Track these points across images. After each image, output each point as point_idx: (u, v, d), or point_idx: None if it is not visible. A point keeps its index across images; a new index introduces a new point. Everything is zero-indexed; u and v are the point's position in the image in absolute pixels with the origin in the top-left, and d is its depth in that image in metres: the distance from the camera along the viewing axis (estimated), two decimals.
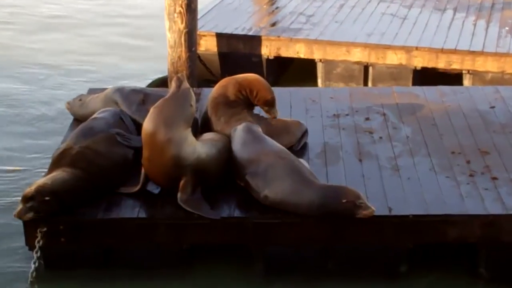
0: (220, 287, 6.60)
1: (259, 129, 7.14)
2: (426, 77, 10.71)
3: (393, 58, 10.88)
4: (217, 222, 6.47)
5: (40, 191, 6.36)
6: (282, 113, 7.96)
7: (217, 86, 7.72)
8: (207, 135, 7.21)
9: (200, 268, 6.74)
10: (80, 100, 8.19)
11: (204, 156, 6.70)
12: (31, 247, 6.49)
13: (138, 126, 7.33)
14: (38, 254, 6.41)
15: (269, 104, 7.65)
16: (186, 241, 6.58)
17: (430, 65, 10.81)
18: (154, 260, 6.66)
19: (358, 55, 10.96)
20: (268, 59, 11.19)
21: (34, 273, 6.40)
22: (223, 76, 10.23)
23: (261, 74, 10.82)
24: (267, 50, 11.18)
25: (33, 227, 6.43)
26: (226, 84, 7.64)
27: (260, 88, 7.61)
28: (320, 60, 11.07)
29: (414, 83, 10.66)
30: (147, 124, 6.57)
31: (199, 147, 6.71)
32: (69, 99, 8.45)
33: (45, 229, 6.42)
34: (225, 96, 7.57)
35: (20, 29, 14.10)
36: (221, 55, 11.20)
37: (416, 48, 10.85)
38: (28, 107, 10.64)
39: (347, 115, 8.43)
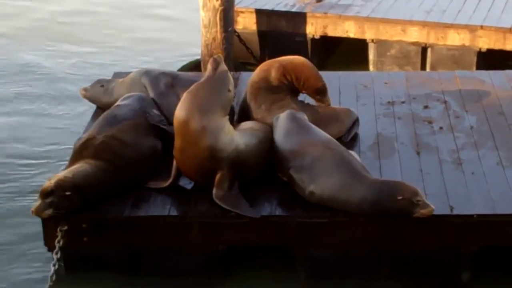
0: None
1: (304, 117, 7.12)
2: (492, 60, 10.64)
3: (455, 39, 10.82)
4: (256, 221, 6.46)
5: (61, 185, 6.39)
6: (331, 99, 7.90)
7: (258, 69, 7.72)
8: (246, 124, 7.19)
9: (236, 272, 6.75)
10: (102, 86, 8.23)
11: (243, 147, 6.70)
12: (51, 248, 6.54)
13: (166, 114, 7.40)
14: (58, 255, 6.44)
15: (320, 92, 7.63)
16: (222, 241, 6.59)
17: (497, 46, 10.74)
18: (185, 264, 6.68)
19: (415, 35, 10.91)
20: (313, 39, 11.20)
21: (54, 277, 6.42)
22: (261, 57, 10.27)
23: (305, 55, 10.84)
24: (313, 29, 11.17)
25: (52, 225, 6.48)
26: (269, 68, 7.62)
27: (308, 75, 7.60)
28: (372, 41, 11.04)
29: (478, 67, 10.59)
30: (180, 111, 6.56)
31: (237, 137, 6.70)
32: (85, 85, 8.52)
33: (65, 227, 6.46)
34: (267, 80, 7.57)
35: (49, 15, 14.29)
36: (261, 34, 11.21)
37: (481, 27, 10.78)
38: (48, 95, 10.82)
39: (403, 102, 8.40)
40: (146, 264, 6.71)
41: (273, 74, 7.57)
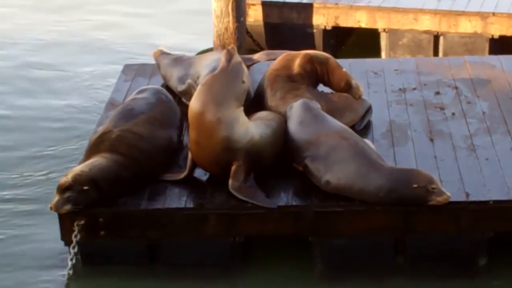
0: (275, 285, 6.61)
1: (318, 106, 7.10)
2: (504, 47, 10.52)
3: (467, 26, 10.73)
4: (273, 211, 6.46)
5: (78, 180, 6.40)
6: None
7: (280, 58, 7.71)
8: (260, 114, 7.17)
9: (253, 264, 6.76)
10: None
11: (258, 138, 6.69)
12: (68, 242, 6.56)
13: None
14: (76, 249, 6.46)
15: (349, 84, 7.61)
16: (238, 233, 6.58)
17: (509, 33, 10.62)
18: (203, 256, 6.68)
19: (427, 24, 10.83)
20: (325, 30, 11.11)
21: (71, 271, 6.47)
22: (273, 50, 10.21)
23: (317, 47, 10.88)
24: (324, 20, 11.10)
25: (69, 220, 6.49)
26: (293, 57, 7.62)
27: (335, 67, 7.60)
28: (384, 30, 10.96)
29: (491, 54, 10.46)
30: (194, 103, 6.56)
31: (252, 128, 6.69)
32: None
33: (82, 222, 6.47)
34: (288, 68, 7.57)
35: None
36: (272, 26, 11.16)
37: (493, 14, 10.68)
38: (62, 84, 10.85)
39: (414, 89, 8.36)
40: (163, 257, 6.71)
41: (298, 61, 7.57)
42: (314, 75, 7.59)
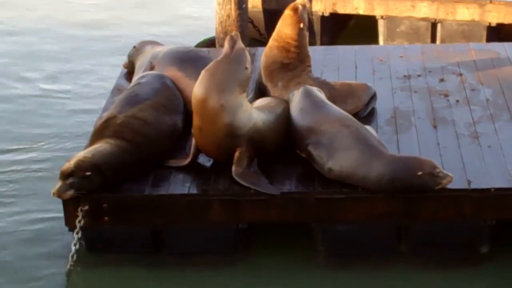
0: (279, 271, 6.54)
1: (320, 93, 7.04)
2: (501, 34, 10.53)
3: (465, 14, 10.69)
4: (276, 198, 6.41)
5: (81, 166, 6.33)
6: (347, 74, 7.85)
7: (263, 56, 7.62)
8: (264, 101, 7.13)
9: (257, 250, 6.70)
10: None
11: (261, 124, 6.63)
12: (71, 228, 6.49)
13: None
14: (79, 235, 6.40)
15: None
16: (242, 219, 6.53)
17: (507, 21, 10.60)
18: (206, 242, 6.63)
19: (424, 11, 10.79)
20: (323, 16, 11.08)
21: (75, 256, 6.40)
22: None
23: (315, 33, 10.81)
24: (322, 6, 11.05)
25: (73, 205, 6.42)
26: (271, 50, 7.53)
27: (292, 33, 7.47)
28: (382, 17, 10.92)
29: (488, 42, 10.43)
30: (198, 89, 6.49)
31: (255, 114, 6.64)
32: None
33: (86, 207, 6.41)
34: (276, 61, 7.49)
35: None
36: (270, 12, 11.08)
37: (491, 2, 10.64)
38: (62, 70, 10.78)
39: (419, 76, 8.33)
40: (167, 243, 6.66)
41: (280, 54, 7.48)
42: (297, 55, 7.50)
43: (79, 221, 6.39)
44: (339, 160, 6.42)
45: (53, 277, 6.53)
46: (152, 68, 7.75)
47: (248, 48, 7.16)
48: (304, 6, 7.40)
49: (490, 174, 6.55)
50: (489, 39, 10.53)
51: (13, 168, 8.24)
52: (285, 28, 7.47)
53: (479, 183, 6.43)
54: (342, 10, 11.08)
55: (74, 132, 8.93)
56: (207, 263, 6.57)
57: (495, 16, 10.60)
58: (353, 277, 6.47)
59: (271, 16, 11.03)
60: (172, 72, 7.51)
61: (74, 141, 8.65)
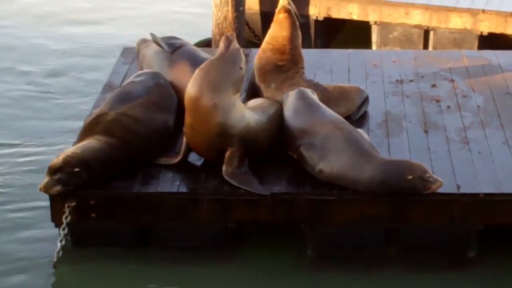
0: (266, 272, 6.51)
1: (314, 96, 7.02)
2: (493, 44, 10.52)
3: (457, 22, 10.71)
4: (266, 198, 6.38)
5: (69, 162, 6.28)
6: (340, 77, 7.83)
7: (256, 57, 7.60)
8: (257, 101, 7.12)
9: (245, 250, 6.67)
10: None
11: (254, 124, 6.61)
12: (58, 224, 6.44)
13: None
14: (66, 231, 6.35)
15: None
16: (231, 219, 6.50)
17: (498, 30, 10.62)
18: (195, 241, 6.60)
19: (417, 18, 10.80)
20: (317, 21, 11.07)
21: (61, 253, 6.35)
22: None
23: (308, 37, 10.81)
24: (316, 10, 11.04)
25: (60, 201, 6.37)
26: (265, 53, 7.51)
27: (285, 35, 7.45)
28: (375, 23, 10.92)
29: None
30: (191, 88, 6.46)
31: (248, 114, 6.61)
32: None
33: (73, 203, 6.36)
34: (270, 63, 7.48)
35: None
36: (265, 14, 11.09)
37: (483, 11, 10.66)
38: (54, 69, 10.71)
39: (411, 81, 8.32)
40: (154, 242, 6.62)
41: (275, 56, 7.46)
42: (291, 57, 7.49)
43: (66, 217, 6.34)
44: (330, 161, 6.41)
45: (39, 273, 6.47)
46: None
47: (243, 49, 7.14)
48: (290, 5, 7.41)
49: (480, 179, 6.55)
50: (481, 48, 10.53)
51: (1, 161, 8.20)
52: (280, 31, 7.45)
53: (468, 188, 6.43)
54: (336, 14, 11.08)
55: (64, 128, 8.87)
56: (195, 260, 6.53)
57: (487, 25, 10.63)
58: (340, 280, 6.44)
59: (267, 18, 11.01)
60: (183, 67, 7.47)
61: (63, 137, 8.59)
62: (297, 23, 7.46)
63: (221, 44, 6.58)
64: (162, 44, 7.63)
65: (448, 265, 6.50)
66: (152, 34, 7.75)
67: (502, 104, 7.79)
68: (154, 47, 7.80)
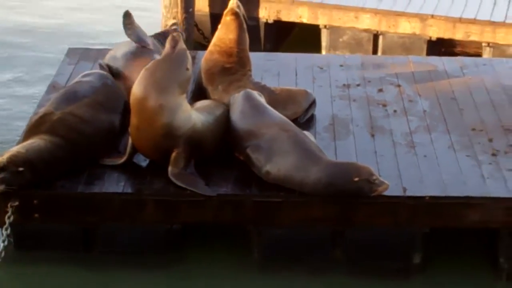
0: (212, 275, 6.50)
1: (260, 98, 7.01)
2: (441, 48, 10.68)
3: (406, 27, 10.85)
4: (212, 199, 6.35)
5: (13, 161, 6.19)
6: (287, 81, 7.84)
7: (203, 60, 7.58)
8: (203, 103, 7.08)
9: (190, 252, 6.64)
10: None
11: (200, 126, 6.58)
12: (0, 224, 6.33)
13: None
14: (8, 231, 6.24)
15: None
16: (176, 220, 6.45)
17: (447, 35, 10.79)
18: (139, 243, 6.54)
19: (367, 22, 10.90)
20: (266, 24, 11.12)
21: (3, 253, 6.23)
22: None
23: (258, 40, 10.83)
24: (266, 13, 11.08)
25: (3, 200, 6.27)
26: (212, 55, 7.51)
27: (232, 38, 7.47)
28: (325, 27, 11.00)
29: (428, 55, 10.58)
30: (137, 88, 6.41)
31: (194, 116, 6.58)
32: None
33: (16, 203, 6.27)
34: (217, 65, 7.47)
35: None
36: (215, 16, 11.06)
37: (432, 16, 10.81)
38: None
39: (358, 85, 8.35)
40: (98, 243, 6.56)
41: (222, 58, 7.45)
42: (240, 59, 7.48)
43: (9, 217, 6.24)
44: (277, 163, 6.40)
45: None
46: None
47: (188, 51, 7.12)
48: (239, 8, 7.40)
49: (425, 182, 6.59)
50: (429, 52, 10.71)
51: None
52: (228, 33, 7.44)
53: (414, 191, 6.46)
54: (286, 18, 11.15)
55: (8, 127, 8.78)
56: (139, 263, 6.48)
57: (436, 30, 10.79)
58: (286, 283, 6.44)
59: (216, 20, 10.95)
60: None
61: (8, 136, 8.48)
62: (245, 26, 7.45)
63: (167, 45, 6.53)
64: (133, 35, 7.58)
65: (393, 270, 6.52)
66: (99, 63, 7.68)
67: (448, 109, 7.85)
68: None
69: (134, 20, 7.87)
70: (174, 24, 7.58)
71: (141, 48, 7.61)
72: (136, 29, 7.78)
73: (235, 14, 7.39)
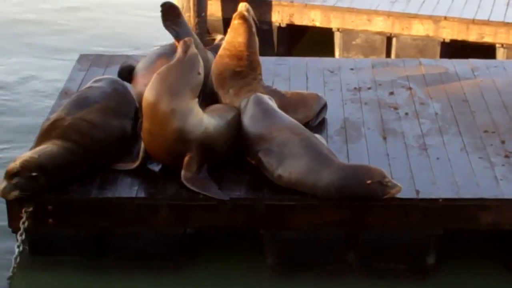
0: (225, 278, 6.51)
1: (271, 101, 7.02)
2: (455, 50, 10.64)
3: (419, 29, 10.81)
4: (224, 203, 6.36)
5: (26, 166, 6.23)
6: (298, 85, 7.81)
7: (214, 63, 7.55)
8: (214, 106, 7.09)
9: (203, 256, 6.64)
10: None
11: (212, 130, 6.59)
12: (15, 230, 6.38)
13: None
14: (23, 237, 6.27)
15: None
16: (189, 224, 6.47)
17: (460, 37, 10.74)
18: (152, 247, 6.55)
19: (380, 25, 10.87)
20: (279, 27, 11.11)
21: (18, 259, 6.27)
22: None
23: (271, 44, 10.84)
24: (279, 17, 11.08)
25: (17, 206, 6.31)
26: (222, 59, 7.47)
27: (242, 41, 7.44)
28: (338, 30, 10.98)
29: (441, 57, 10.57)
30: (149, 93, 6.43)
31: (206, 120, 6.59)
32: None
33: (31, 209, 6.30)
34: (228, 69, 7.44)
35: None
36: (227, 21, 11.05)
37: (445, 18, 10.77)
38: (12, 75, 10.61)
39: (369, 88, 8.34)
40: (112, 248, 6.58)
41: (232, 62, 7.43)
42: (249, 62, 7.46)
43: (23, 223, 6.27)
44: (289, 167, 6.40)
45: None
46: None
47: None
48: (248, 12, 7.40)
49: (438, 184, 6.58)
50: (443, 54, 10.67)
51: None
52: (237, 37, 7.42)
53: (427, 193, 6.46)
54: (299, 21, 11.14)
55: (21, 133, 8.81)
56: (152, 268, 6.50)
57: (449, 32, 10.75)
58: (298, 287, 6.45)
59: (228, 24, 10.97)
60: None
61: (20, 142, 8.50)
62: (254, 29, 7.44)
63: (179, 49, 6.57)
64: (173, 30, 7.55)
65: (407, 272, 6.52)
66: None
67: (459, 111, 7.84)
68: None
69: (179, 14, 7.79)
70: (222, 39, 7.50)
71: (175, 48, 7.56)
72: (179, 26, 7.72)
73: (243, 18, 7.40)
